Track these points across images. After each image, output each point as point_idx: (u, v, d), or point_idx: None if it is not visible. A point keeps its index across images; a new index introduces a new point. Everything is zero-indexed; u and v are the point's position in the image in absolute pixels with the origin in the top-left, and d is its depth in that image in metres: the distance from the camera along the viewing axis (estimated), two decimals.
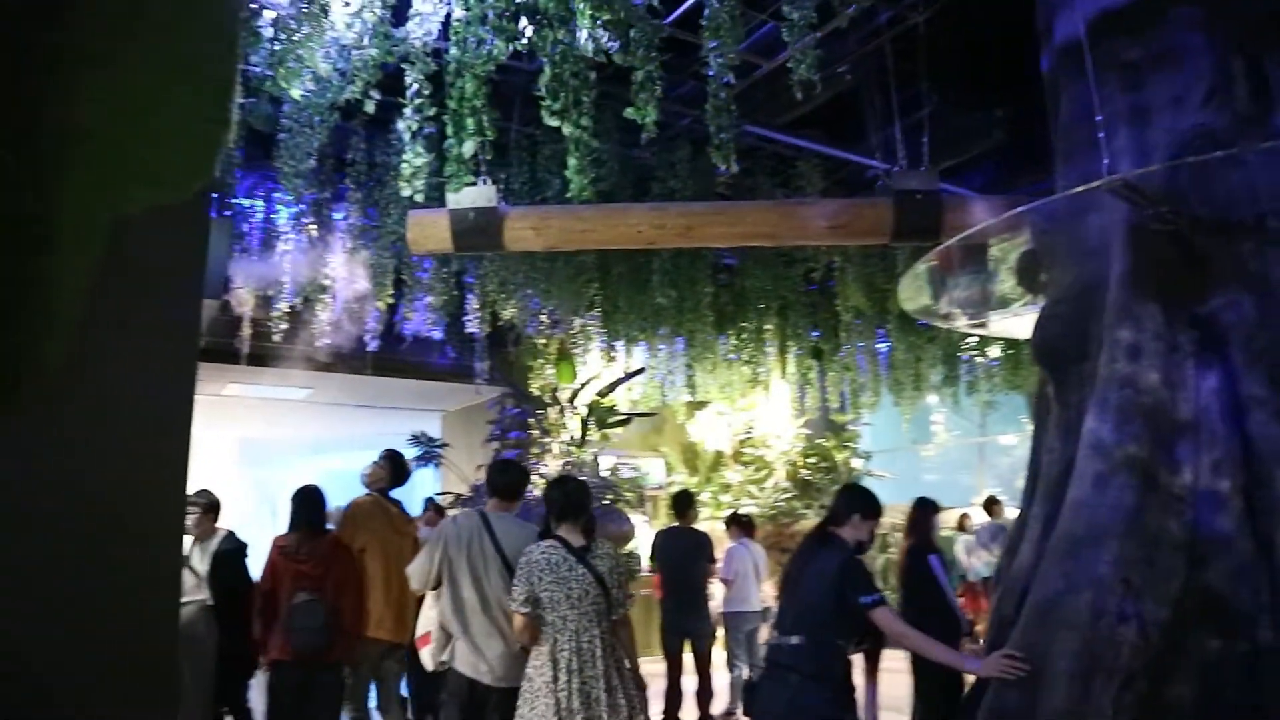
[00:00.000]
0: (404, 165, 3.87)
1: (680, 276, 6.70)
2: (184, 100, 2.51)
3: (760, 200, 4.96)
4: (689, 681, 7.51)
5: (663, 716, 7.28)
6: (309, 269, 6.26)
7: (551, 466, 9.51)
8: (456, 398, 11.06)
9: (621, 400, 10.42)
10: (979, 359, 10.10)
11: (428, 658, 4.58)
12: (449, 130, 3.77)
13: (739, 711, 7.87)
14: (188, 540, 6.04)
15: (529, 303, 7.10)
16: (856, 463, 12.70)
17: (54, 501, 2.24)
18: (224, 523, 6.06)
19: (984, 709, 3.46)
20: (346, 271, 6.30)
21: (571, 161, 3.69)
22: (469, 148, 3.71)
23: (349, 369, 8.57)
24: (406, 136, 3.81)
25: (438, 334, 8.21)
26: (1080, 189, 3.87)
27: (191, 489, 6.31)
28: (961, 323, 6.73)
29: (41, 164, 2.29)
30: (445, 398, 11.17)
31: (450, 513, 7.18)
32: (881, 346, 9.70)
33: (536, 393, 9.87)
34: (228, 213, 4.31)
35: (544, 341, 9.33)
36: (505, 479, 4.74)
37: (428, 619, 4.64)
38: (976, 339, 9.65)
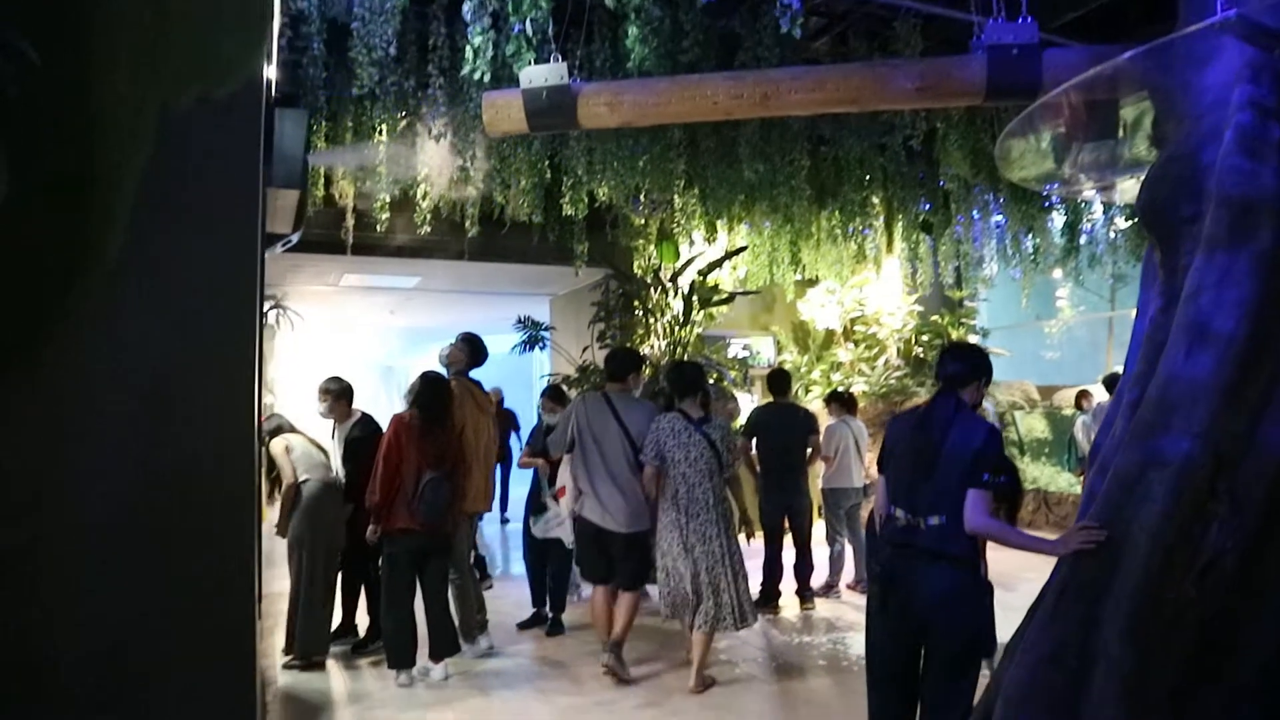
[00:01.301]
0: (468, 46, 3.83)
1: (771, 149, 6.48)
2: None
3: (842, 64, 4.68)
4: (788, 556, 7.64)
5: (762, 589, 7.46)
6: (404, 158, 6.35)
7: (655, 347, 9.56)
8: (564, 282, 11.18)
9: (726, 279, 10.31)
10: (1104, 228, 9.51)
11: (564, 507, 5.88)
12: (510, 7, 3.69)
13: (839, 584, 7.97)
14: (327, 424, 6.49)
15: (622, 182, 7.02)
16: (973, 340, 12.29)
17: (117, 391, 2.41)
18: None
19: (1059, 582, 3.38)
20: (440, 159, 6.36)
21: (632, 30, 3.57)
22: (530, 23, 3.62)
23: (450, 256, 8.75)
24: (469, 15, 3.75)
25: (536, 218, 8.28)
26: (1197, 27, 3.52)
27: (324, 376, 6.68)
28: (1084, 188, 6.32)
29: (90, 60, 2.37)
30: (552, 282, 11.30)
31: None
32: (997, 218, 9.23)
33: (639, 274, 9.87)
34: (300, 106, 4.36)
35: (643, 222, 9.26)
36: (617, 364, 5.91)
37: (564, 476, 5.85)
38: (1101, 206, 9.07)
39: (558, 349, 10.64)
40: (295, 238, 5.44)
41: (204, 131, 2.52)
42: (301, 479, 5.93)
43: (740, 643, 6.44)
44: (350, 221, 7.68)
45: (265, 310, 10.87)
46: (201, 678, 2.47)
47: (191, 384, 2.50)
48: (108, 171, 2.36)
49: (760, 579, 7.48)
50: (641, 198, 8.09)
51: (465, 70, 3.90)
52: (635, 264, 9.97)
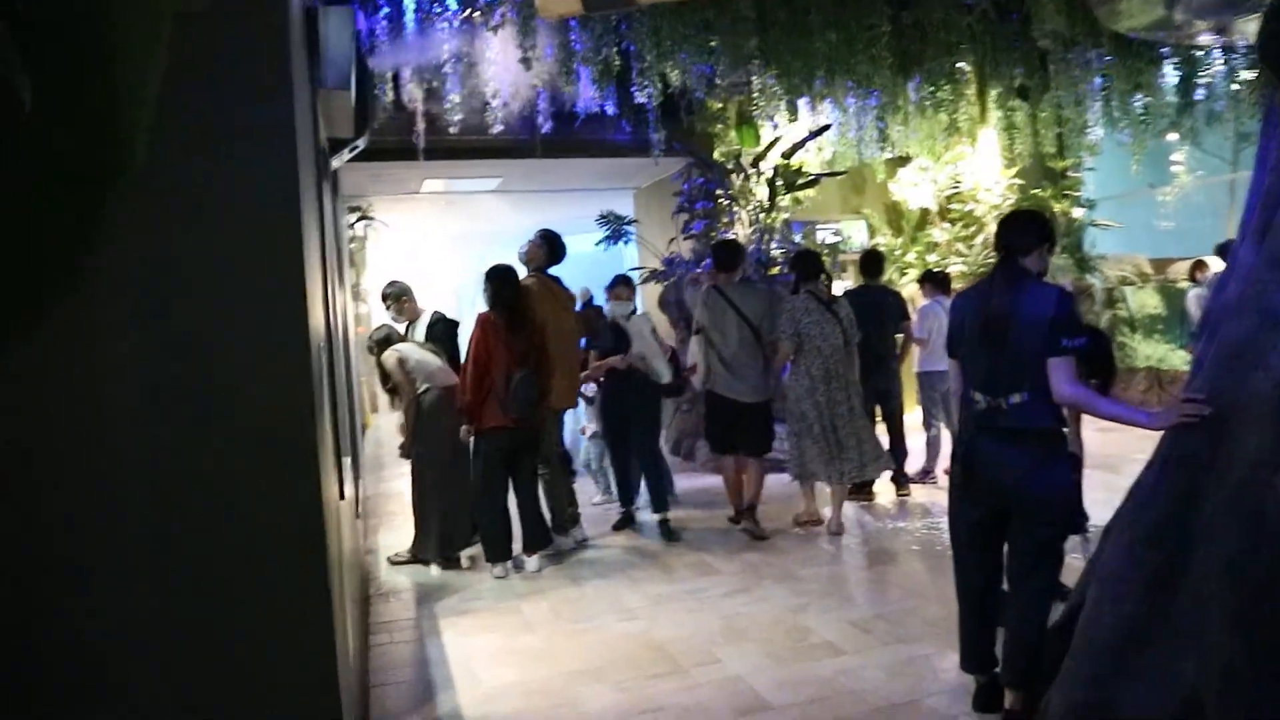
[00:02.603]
0: None
1: (846, 15, 6.05)
2: None
3: None
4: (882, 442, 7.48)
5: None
6: (465, 54, 6.19)
7: (741, 234, 9.33)
8: (647, 174, 10.92)
9: (812, 162, 9.92)
10: (1224, 81, 8.71)
11: (697, 382, 6.46)
12: None
13: (936, 470, 7.80)
14: (400, 327, 6.56)
15: (693, 66, 6.73)
16: (1078, 212, 11.62)
17: (150, 314, 2.40)
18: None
19: (1158, 457, 3.18)
20: (502, 52, 6.19)
21: None
22: None
23: (525, 154, 8.61)
24: None
25: (609, 109, 8.05)
26: None
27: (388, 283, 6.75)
28: (1199, 34, 5.77)
29: None
30: (635, 175, 11.06)
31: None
32: (1101, 77, 8.53)
33: (721, 161, 9.57)
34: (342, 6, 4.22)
35: (721, 106, 8.91)
36: (726, 255, 6.54)
37: (694, 353, 6.42)
38: (1220, 54, 8.29)
39: (644, 243, 10.50)
40: (361, 143, 5.39)
41: (225, 33, 2.44)
42: (421, 390, 5.97)
43: (834, 533, 6.39)
44: (421, 125, 7.60)
45: (352, 221, 11.02)
46: (271, 593, 2.51)
47: (233, 299, 2.48)
48: (121, 83, 2.30)
49: None
50: (719, 80, 7.73)
51: None
52: (716, 150, 9.67)
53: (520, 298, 5.80)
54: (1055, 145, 10.56)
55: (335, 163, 5.38)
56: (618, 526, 6.73)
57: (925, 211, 11.65)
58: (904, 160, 11.14)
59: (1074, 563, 3.93)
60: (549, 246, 6.24)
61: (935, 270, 8.59)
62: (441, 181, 10.34)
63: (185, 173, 2.40)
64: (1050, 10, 6.05)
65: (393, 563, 6.10)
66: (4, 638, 2.26)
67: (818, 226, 11.63)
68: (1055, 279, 9.93)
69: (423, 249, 14.21)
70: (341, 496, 3.76)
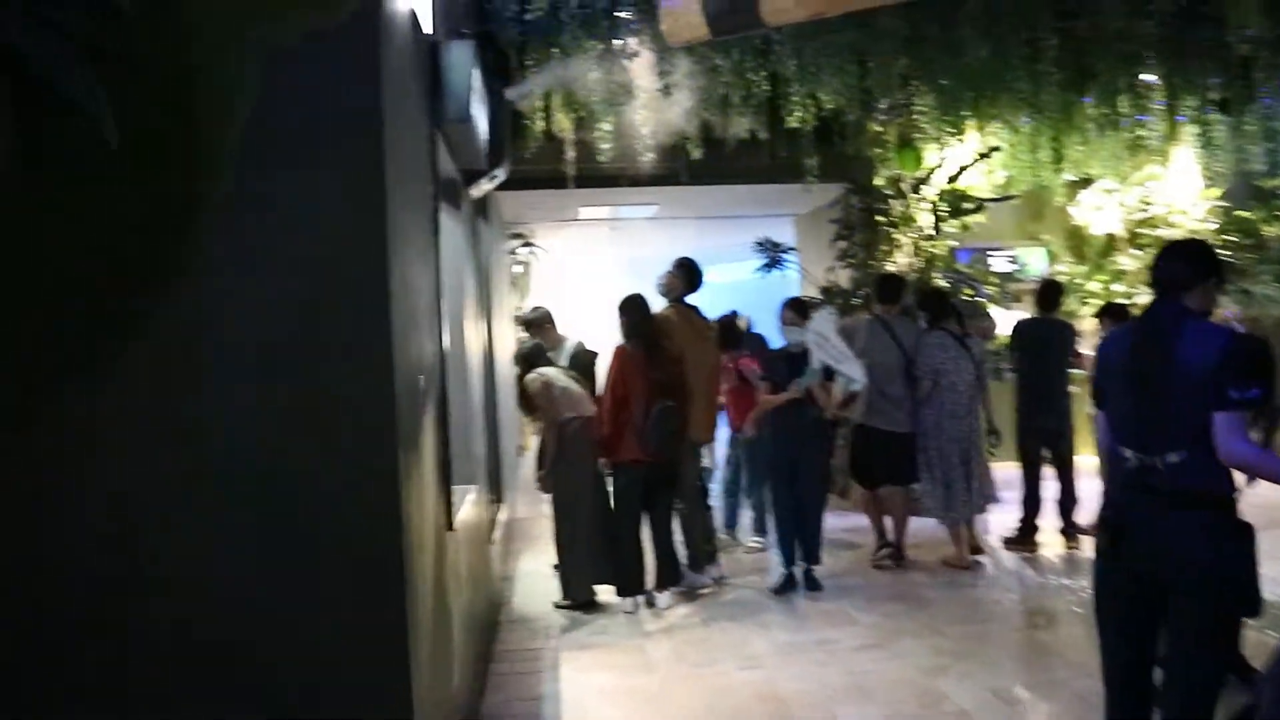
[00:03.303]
0: None
1: (1001, 27, 5.57)
2: None
3: None
4: (1050, 488, 6.88)
5: (1020, 525, 6.79)
6: (602, 83, 6.20)
7: (902, 262, 8.91)
8: (807, 200, 10.66)
9: (983, 185, 9.37)
10: None
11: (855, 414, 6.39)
12: None
13: None
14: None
15: (846, 88, 6.47)
16: None
17: (237, 334, 2.44)
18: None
19: None
20: (643, 80, 6.16)
21: None
22: None
23: (677, 182, 8.56)
24: None
25: (761, 134, 7.89)
26: None
27: (540, 310, 6.82)
28: None
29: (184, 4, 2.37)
30: (795, 201, 10.81)
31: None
32: None
33: (881, 186, 9.20)
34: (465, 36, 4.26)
35: (880, 130, 8.55)
36: (886, 287, 6.91)
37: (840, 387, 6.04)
38: None
39: (805, 271, 10.24)
40: (500, 173, 5.46)
41: (312, 68, 2.47)
42: (565, 418, 5.79)
43: (989, 584, 5.92)
44: (571, 154, 7.68)
45: (513, 247, 11.32)
46: (349, 615, 2.50)
47: (316, 329, 2.49)
48: (210, 114, 2.36)
49: (1020, 515, 6.83)
50: (878, 102, 7.41)
51: None
52: (878, 175, 9.29)
53: (656, 328, 5.71)
54: (1264, 161, 9.52)
55: (475, 192, 5.47)
56: (779, 590, 5.89)
57: (1111, 237, 10.79)
58: (1086, 182, 10.35)
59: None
60: (686, 275, 6.14)
61: (1115, 302, 7.88)
62: (598, 208, 10.46)
63: (270, 201, 2.45)
64: (1249, 10, 5.37)
65: (557, 606, 5.88)
66: (114, 639, 2.35)
67: (990, 253, 10.99)
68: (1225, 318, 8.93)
69: (587, 275, 14.43)
70: (449, 525, 3.76)
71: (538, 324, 6.47)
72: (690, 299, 6.25)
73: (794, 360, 5.98)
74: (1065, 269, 10.73)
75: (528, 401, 6.08)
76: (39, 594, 2.33)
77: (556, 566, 5.85)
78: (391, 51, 2.78)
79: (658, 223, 11.83)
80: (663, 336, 5.77)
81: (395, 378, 2.60)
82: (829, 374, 5.83)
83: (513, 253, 11.22)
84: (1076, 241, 11.06)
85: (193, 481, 2.40)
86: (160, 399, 2.38)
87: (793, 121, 7.15)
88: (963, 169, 8.56)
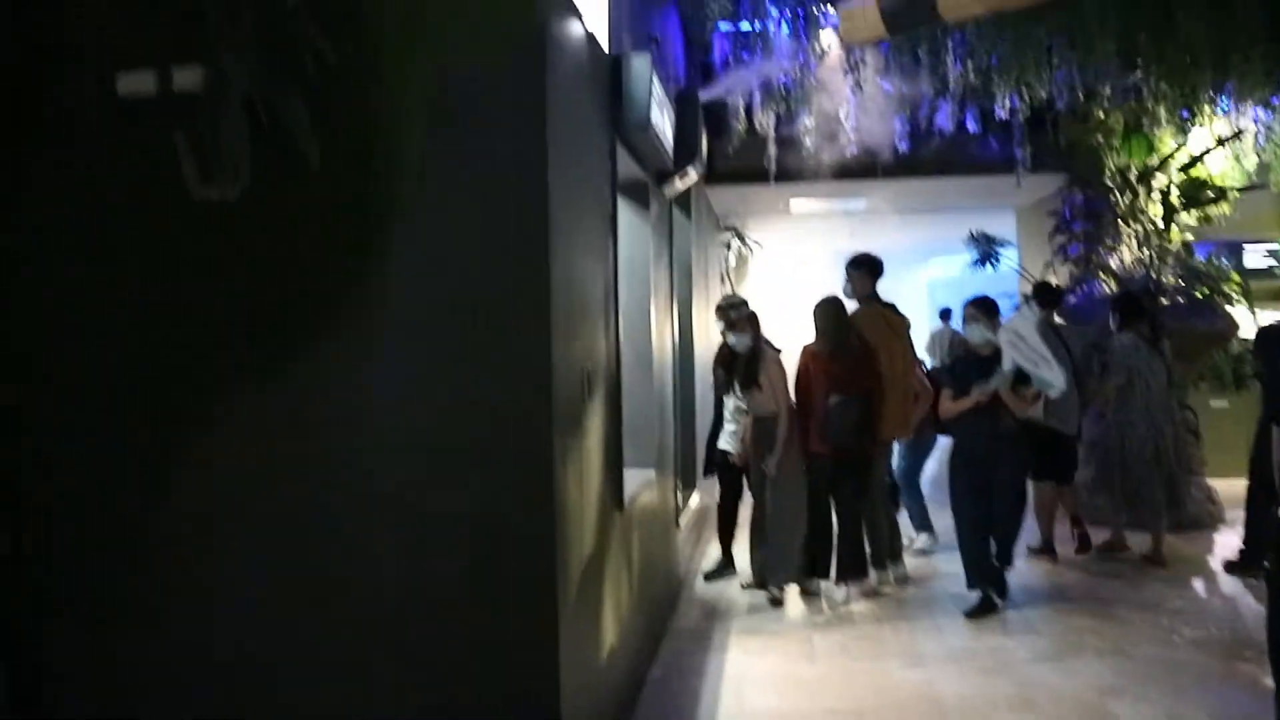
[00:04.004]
0: None
1: None
2: None
3: None
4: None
5: (1243, 547, 6.23)
6: (806, 81, 6.29)
7: (1128, 257, 8.35)
8: (1028, 191, 10.18)
9: (1230, 171, 8.57)
10: None
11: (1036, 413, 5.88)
12: None
13: None
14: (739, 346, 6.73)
15: (1053, 74, 6.20)
16: None
17: (415, 326, 2.82)
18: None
19: None
20: (833, 76, 6.19)
21: None
22: None
23: (883, 175, 8.45)
24: None
25: (970, 125, 7.69)
26: None
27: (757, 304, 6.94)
28: None
29: (366, 25, 2.76)
30: (1015, 192, 10.33)
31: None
32: None
33: (1109, 175, 8.63)
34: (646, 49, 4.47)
35: (1103, 116, 8.03)
36: (1050, 294, 7.15)
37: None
38: None
39: (1023, 267, 9.82)
40: (692, 173, 5.68)
41: (483, 89, 2.80)
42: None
43: (1196, 608, 5.52)
44: (772, 150, 7.80)
45: (727, 241, 11.54)
46: (496, 590, 2.83)
47: (481, 323, 2.83)
48: (391, 135, 2.75)
49: (1242, 538, 6.28)
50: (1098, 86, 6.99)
51: None
52: (1108, 163, 8.71)
53: (841, 329, 5.73)
54: None
55: (668, 192, 5.73)
56: (973, 614, 5.40)
57: None
58: None
59: None
60: (868, 269, 6.11)
61: None
62: (808, 201, 10.47)
63: (441, 211, 2.81)
64: None
65: (743, 587, 6.08)
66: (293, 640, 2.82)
67: (1245, 247, 10.04)
68: None
69: (803, 269, 14.42)
70: (619, 506, 4.05)
71: (730, 310, 6.46)
72: (885, 296, 6.20)
73: (982, 362, 5.57)
74: None
75: (727, 359, 6.03)
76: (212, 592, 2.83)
77: (753, 551, 6.03)
78: (560, 72, 3.08)
79: (875, 215, 11.66)
80: (848, 335, 5.78)
81: (553, 368, 2.91)
82: (1020, 377, 5.38)
83: (726, 245, 11.45)
84: None
85: (360, 475, 2.82)
86: (341, 395, 2.82)
87: (1001, 111, 6.92)
88: (1202, 154, 7.87)
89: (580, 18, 3.40)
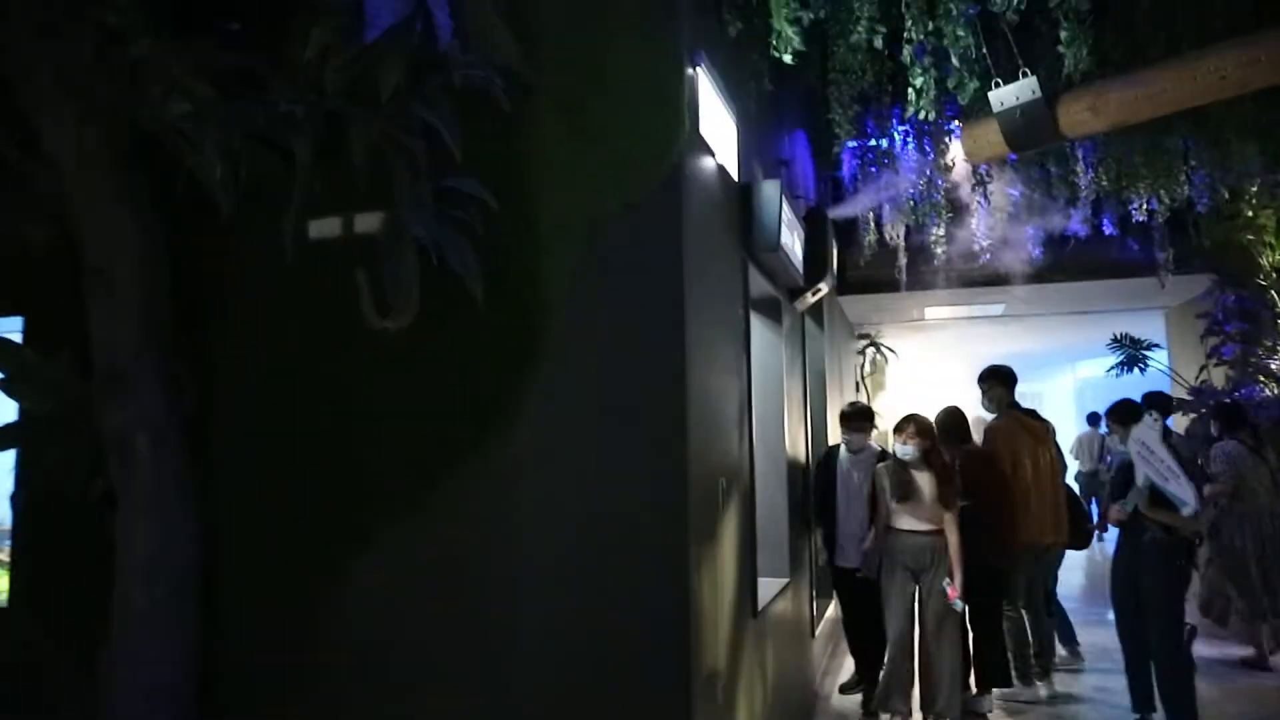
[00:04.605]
0: (909, 89, 3.91)
1: None
2: (641, 120, 3.11)
3: None
4: None
5: None
6: (910, 193, 6.44)
7: None
8: (1177, 292, 9.89)
9: None
10: None
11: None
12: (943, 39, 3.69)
13: None
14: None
15: (1190, 177, 6.15)
16: None
17: (563, 446, 3.08)
18: None
19: None
20: (954, 188, 6.33)
21: (1063, 34, 3.28)
22: (962, 51, 3.58)
23: (1014, 280, 8.40)
24: (907, 59, 3.83)
25: (1107, 227, 7.63)
26: None
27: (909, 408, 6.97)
28: None
29: (524, 183, 3.12)
30: (1163, 293, 10.05)
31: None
32: None
33: (1267, 273, 8.32)
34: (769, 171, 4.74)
35: (1251, 213, 7.80)
36: (1163, 404, 6.90)
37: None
38: None
39: (1174, 370, 9.45)
40: (824, 287, 5.87)
41: (627, 231, 3.12)
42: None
43: None
44: (903, 260, 7.92)
45: (861, 348, 11.59)
46: (629, 690, 2.99)
47: (623, 439, 3.08)
48: (545, 271, 3.08)
49: None
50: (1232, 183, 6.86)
51: (910, 112, 3.98)
52: (1261, 262, 8.40)
53: (959, 437, 5.75)
54: None
55: (799, 306, 5.93)
56: None
57: None
58: None
59: None
60: (999, 381, 6.13)
61: None
62: (944, 308, 10.46)
63: (592, 336, 3.11)
64: None
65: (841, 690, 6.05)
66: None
67: None
68: None
69: (940, 374, 14.24)
70: (753, 613, 4.14)
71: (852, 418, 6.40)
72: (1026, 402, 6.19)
73: (1129, 474, 5.17)
74: None
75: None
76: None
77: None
78: (694, 204, 3.37)
79: (1015, 319, 11.50)
80: (995, 447, 5.80)
81: (689, 480, 3.11)
82: (1157, 494, 4.94)
83: (860, 352, 11.50)
84: None
85: (512, 572, 3.08)
86: (496, 503, 3.11)
87: (1140, 215, 6.86)
88: None
89: (713, 153, 3.71)
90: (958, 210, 7.17)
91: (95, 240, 3.18)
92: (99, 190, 3.18)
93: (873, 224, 7.78)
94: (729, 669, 3.64)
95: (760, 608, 4.27)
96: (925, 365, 13.84)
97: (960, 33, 3.52)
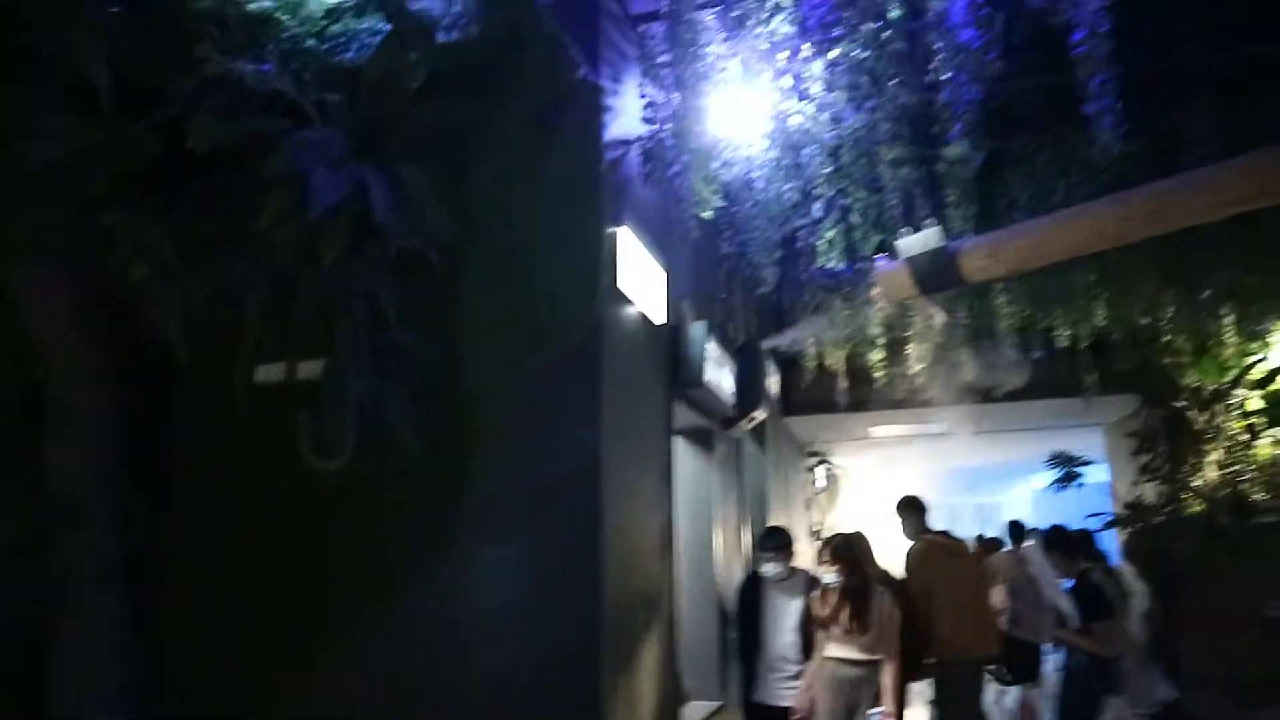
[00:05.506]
0: (819, 240, 4.30)
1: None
2: (562, 277, 3.44)
3: (1238, 157, 3.99)
4: None
5: None
6: (860, 328, 6.84)
7: (1210, 476, 8.31)
8: (1114, 409, 10.31)
9: None
10: None
11: None
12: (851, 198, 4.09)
13: None
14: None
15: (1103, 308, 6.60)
16: None
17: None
18: None
19: None
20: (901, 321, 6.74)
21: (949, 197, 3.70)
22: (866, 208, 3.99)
23: (954, 401, 8.76)
24: (818, 212, 4.23)
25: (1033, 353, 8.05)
26: None
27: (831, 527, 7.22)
28: None
29: (454, 336, 3.41)
30: (1100, 411, 10.49)
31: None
32: None
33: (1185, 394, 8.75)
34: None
35: (1168, 338, 8.27)
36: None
37: None
38: None
39: (1113, 485, 9.79)
40: (760, 415, 6.18)
41: (549, 379, 3.41)
42: None
43: None
44: (844, 383, 8.30)
45: (811, 465, 11.87)
46: None
47: (547, 567, 3.30)
48: (472, 418, 3.35)
49: None
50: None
51: (820, 262, 4.36)
52: (1181, 382, 8.83)
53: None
54: None
55: (734, 434, 6.20)
56: None
57: None
58: None
59: None
60: (909, 511, 6.42)
61: None
62: (888, 427, 10.79)
63: (516, 477, 3.36)
64: None
65: None
66: None
67: None
68: None
69: (895, 491, 14.49)
70: None
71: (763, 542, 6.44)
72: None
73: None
74: None
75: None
76: None
77: None
78: (614, 351, 3.67)
79: (973, 433, 11.83)
80: (909, 571, 6.07)
81: (603, 614, 3.31)
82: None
83: (810, 470, 11.76)
84: None
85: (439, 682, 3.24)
86: (426, 627, 3.28)
87: (1061, 341, 7.29)
88: (1275, 371, 7.96)
89: (632, 303, 4.01)
90: (892, 338, 7.58)
91: (55, 378, 3.43)
92: (61, 333, 3.44)
93: (812, 351, 8.17)
94: None
95: None
96: (880, 482, 14.10)
97: (861, 193, 3.91)
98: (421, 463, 3.34)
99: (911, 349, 7.81)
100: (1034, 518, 16.26)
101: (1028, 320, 7.16)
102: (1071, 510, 11.12)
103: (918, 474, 14.54)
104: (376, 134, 3.36)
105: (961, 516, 19.03)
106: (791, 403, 9.18)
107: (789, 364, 8.36)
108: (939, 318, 7.18)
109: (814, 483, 11.80)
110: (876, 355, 8.06)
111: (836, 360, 8.29)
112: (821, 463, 11.92)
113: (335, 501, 3.41)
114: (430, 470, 3.36)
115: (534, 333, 3.44)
